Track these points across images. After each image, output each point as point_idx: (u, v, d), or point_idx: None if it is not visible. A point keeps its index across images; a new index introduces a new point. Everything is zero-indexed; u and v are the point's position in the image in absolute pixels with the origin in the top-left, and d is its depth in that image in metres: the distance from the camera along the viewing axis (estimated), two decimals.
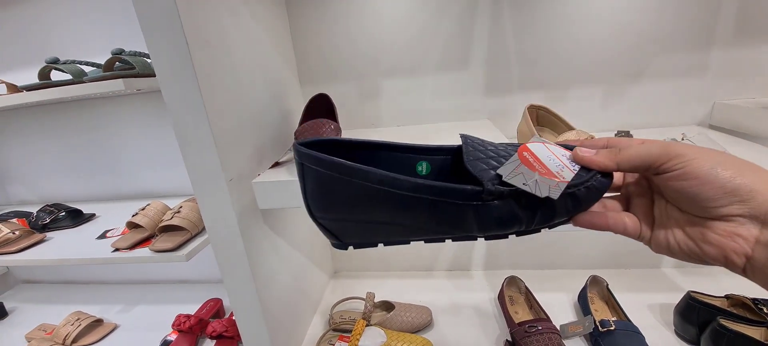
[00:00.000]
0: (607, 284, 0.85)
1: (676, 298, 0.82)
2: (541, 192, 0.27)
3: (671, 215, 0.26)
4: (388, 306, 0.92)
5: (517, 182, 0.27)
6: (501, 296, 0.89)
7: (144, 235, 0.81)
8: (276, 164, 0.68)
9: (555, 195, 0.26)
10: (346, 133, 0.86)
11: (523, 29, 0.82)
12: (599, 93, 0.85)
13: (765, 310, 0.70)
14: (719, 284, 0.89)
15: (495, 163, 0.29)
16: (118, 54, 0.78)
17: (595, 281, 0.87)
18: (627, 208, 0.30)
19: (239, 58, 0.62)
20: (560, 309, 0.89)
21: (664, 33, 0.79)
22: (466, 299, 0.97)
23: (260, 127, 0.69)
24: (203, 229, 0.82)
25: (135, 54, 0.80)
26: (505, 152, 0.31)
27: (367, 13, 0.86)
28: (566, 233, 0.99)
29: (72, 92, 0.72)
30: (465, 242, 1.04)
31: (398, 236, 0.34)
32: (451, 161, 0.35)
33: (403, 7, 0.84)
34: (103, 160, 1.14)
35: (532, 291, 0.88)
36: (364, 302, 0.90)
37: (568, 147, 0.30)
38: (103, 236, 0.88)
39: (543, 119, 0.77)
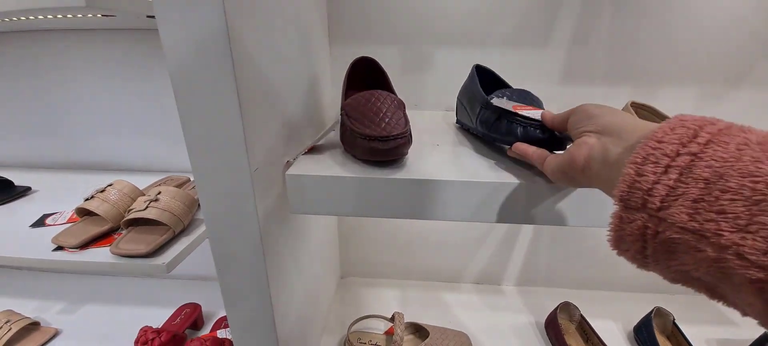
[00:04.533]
0: (674, 319, 0.74)
1: (733, 332, 0.76)
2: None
3: None
4: (419, 330, 0.75)
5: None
6: (553, 324, 0.76)
7: (102, 228, 0.58)
8: (313, 149, 0.48)
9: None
10: None
11: (623, 4, 0.65)
12: (692, 95, 0.71)
13: None
14: None
15: None
16: None
17: (659, 313, 0.76)
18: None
19: None
20: (615, 341, 0.77)
21: None
22: (503, 321, 0.83)
23: (290, 94, 0.48)
24: (190, 223, 0.60)
25: None
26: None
27: None
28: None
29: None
30: (498, 253, 0.90)
31: None
32: None
33: None
34: (47, 116, 0.86)
35: (587, 319, 0.76)
36: (386, 320, 0.73)
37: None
38: (40, 222, 0.63)
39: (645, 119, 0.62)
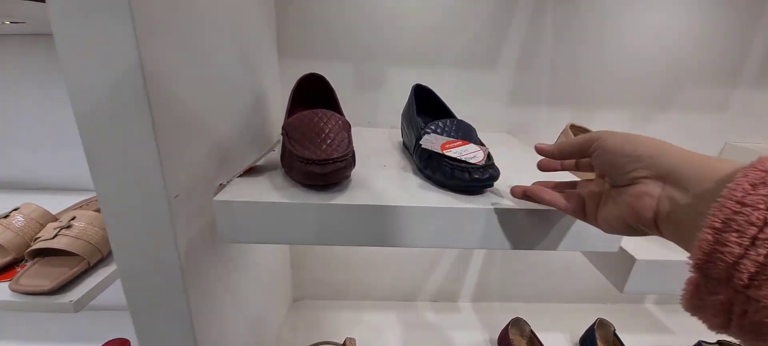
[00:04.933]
0: (615, 329, 0.78)
1: (670, 340, 0.81)
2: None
3: (609, 195, 0.30)
4: None
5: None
6: (504, 341, 0.76)
7: (4, 259, 0.50)
8: (251, 170, 0.45)
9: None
10: None
11: (565, 32, 0.69)
12: (626, 118, 0.77)
13: None
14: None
15: None
16: None
17: (601, 325, 0.79)
18: (582, 207, 0.34)
19: None
20: None
21: (697, 63, 0.73)
22: (458, 339, 0.83)
23: (226, 113, 0.45)
24: (109, 254, 0.54)
25: None
26: None
27: None
28: (562, 261, 0.92)
29: None
30: (454, 270, 0.90)
31: None
32: None
33: None
34: None
35: (536, 334, 0.77)
36: None
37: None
38: None
39: None
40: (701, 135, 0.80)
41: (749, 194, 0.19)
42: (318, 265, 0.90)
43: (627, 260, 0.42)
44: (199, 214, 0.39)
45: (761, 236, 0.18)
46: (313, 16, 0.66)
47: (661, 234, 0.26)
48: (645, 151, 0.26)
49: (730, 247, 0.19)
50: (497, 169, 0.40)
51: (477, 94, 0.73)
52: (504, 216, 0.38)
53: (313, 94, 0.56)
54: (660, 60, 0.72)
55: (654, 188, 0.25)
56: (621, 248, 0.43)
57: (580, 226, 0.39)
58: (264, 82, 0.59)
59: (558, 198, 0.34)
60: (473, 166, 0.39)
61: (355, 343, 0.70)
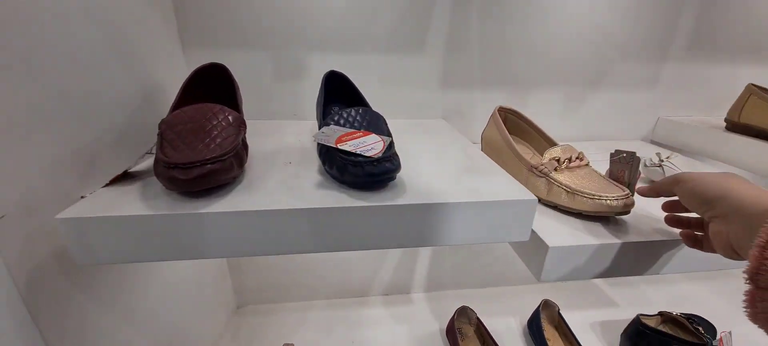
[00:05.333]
0: (559, 309, 0.78)
1: (613, 314, 0.83)
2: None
3: (707, 225, 0.35)
4: None
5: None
6: (451, 331, 0.75)
7: None
8: (122, 177, 0.39)
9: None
10: (257, 127, 0.59)
11: (491, 9, 0.66)
12: (560, 98, 0.76)
13: (701, 329, 0.70)
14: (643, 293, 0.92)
15: None
16: None
17: (546, 306, 0.79)
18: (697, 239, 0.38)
19: None
20: (511, 338, 0.79)
21: (625, 39, 0.72)
22: (408, 332, 0.81)
23: (91, 111, 0.39)
24: None
25: None
26: None
27: None
28: (504, 246, 0.91)
29: None
30: (404, 261, 0.88)
31: None
32: None
33: None
34: None
35: (483, 321, 0.76)
36: None
37: None
38: None
39: (512, 126, 0.64)
40: (634, 111, 0.80)
41: None
42: (260, 268, 0.85)
43: (541, 248, 0.40)
44: (53, 233, 0.33)
45: None
46: (218, 3, 0.60)
47: (741, 257, 0.30)
48: (713, 195, 0.31)
49: None
50: (396, 161, 0.37)
51: (408, 80, 0.70)
52: (390, 213, 0.35)
53: (213, 88, 0.51)
54: (589, 37, 0.71)
55: (721, 227, 0.30)
56: (535, 234, 0.41)
57: (483, 218, 0.37)
58: (158, 75, 0.53)
59: (688, 239, 0.38)
60: (367, 159, 0.36)
61: None
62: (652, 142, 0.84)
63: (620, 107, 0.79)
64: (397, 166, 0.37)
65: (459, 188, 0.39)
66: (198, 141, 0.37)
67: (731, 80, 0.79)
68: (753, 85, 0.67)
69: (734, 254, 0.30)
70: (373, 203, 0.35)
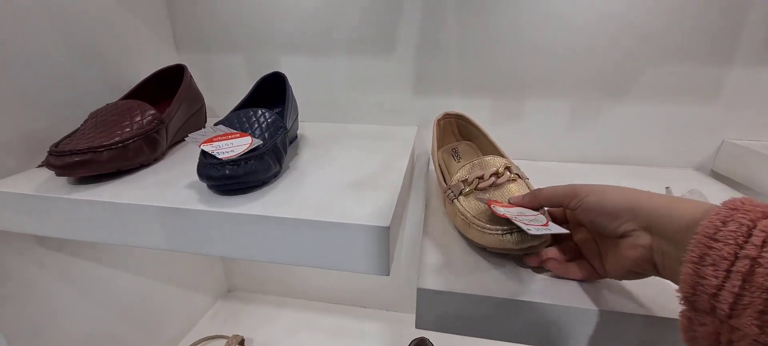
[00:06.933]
0: None
1: None
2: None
3: (605, 245, 0.31)
4: None
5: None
6: None
7: None
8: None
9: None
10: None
11: (468, 8, 0.58)
12: (566, 109, 0.62)
13: None
14: None
15: None
16: None
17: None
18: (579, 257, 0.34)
19: None
20: None
21: (664, 34, 0.55)
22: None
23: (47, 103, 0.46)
24: None
25: None
26: None
27: None
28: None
29: None
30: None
31: None
32: None
33: None
34: None
35: None
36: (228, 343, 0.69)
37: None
38: None
39: (465, 131, 0.56)
40: (686, 132, 0.61)
41: (719, 230, 0.21)
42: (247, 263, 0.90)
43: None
44: None
45: (734, 268, 0.20)
46: (202, 6, 0.65)
47: (666, 278, 0.26)
48: (622, 207, 0.27)
49: (709, 279, 0.20)
50: (250, 166, 0.35)
51: (379, 84, 0.65)
52: (220, 220, 0.33)
53: (163, 84, 0.55)
54: (609, 29, 0.56)
55: (645, 239, 0.26)
56: (423, 270, 0.34)
57: (329, 242, 0.32)
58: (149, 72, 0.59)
59: (573, 271, 0.32)
60: (214, 162, 0.34)
61: (241, 340, 0.68)
62: (713, 173, 0.62)
63: (663, 123, 0.60)
64: (241, 173, 0.34)
65: (326, 203, 0.34)
66: (105, 133, 0.40)
67: None
68: None
69: (653, 270, 0.27)
70: (210, 208, 0.33)
